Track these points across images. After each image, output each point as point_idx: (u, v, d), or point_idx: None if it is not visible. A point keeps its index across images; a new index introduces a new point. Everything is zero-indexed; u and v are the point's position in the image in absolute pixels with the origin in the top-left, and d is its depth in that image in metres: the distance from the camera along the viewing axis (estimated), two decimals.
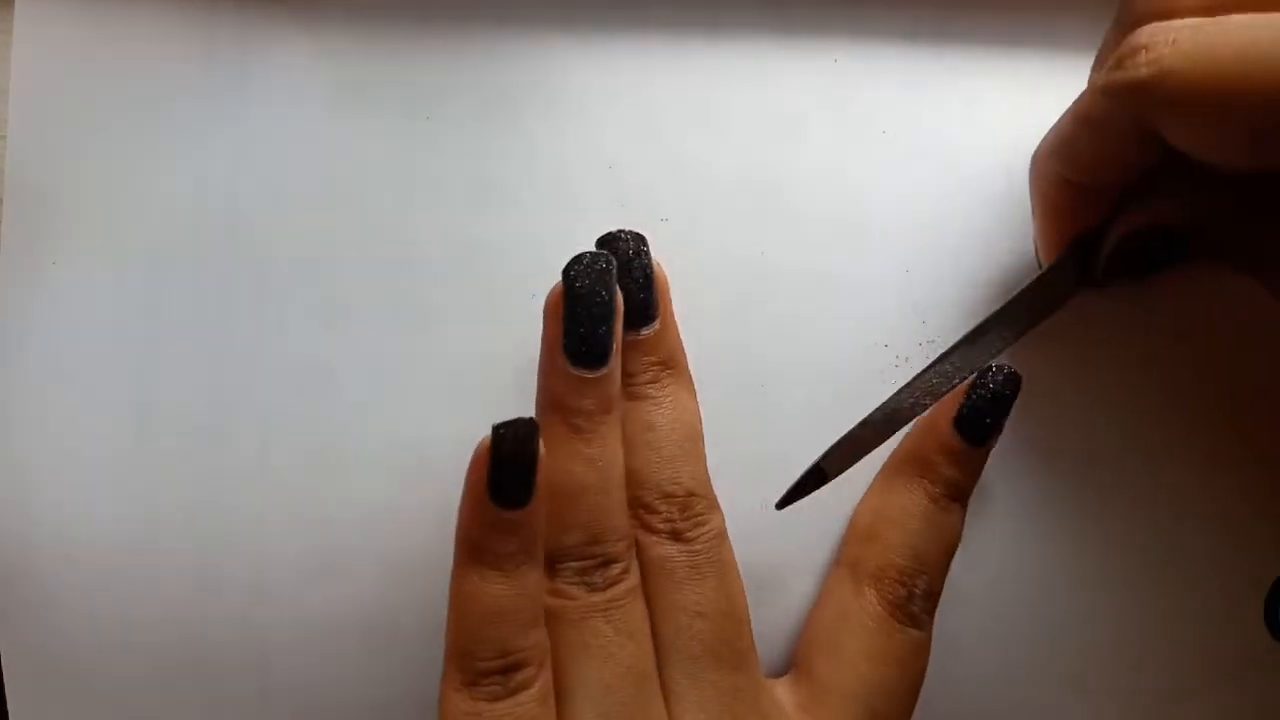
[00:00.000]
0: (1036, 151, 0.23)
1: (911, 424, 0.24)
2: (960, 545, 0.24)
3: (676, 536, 0.22)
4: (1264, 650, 0.25)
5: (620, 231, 0.23)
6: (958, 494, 0.24)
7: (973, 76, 0.26)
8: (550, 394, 0.22)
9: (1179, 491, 0.25)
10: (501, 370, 0.25)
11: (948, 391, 0.23)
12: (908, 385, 0.23)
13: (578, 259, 0.21)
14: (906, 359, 0.25)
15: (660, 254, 0.25)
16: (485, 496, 0.20)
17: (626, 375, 0.23)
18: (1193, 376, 0.25)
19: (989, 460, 0.24)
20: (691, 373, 0.24)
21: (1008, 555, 0.25)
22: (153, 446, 0.25)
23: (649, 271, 0.23)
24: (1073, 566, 0.25)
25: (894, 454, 0.25)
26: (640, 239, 0.23)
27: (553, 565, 0.22)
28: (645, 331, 0.23)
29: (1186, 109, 0.18)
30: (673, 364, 0.23)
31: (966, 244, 0.25)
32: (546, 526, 0.21)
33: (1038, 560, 0.25)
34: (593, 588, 0.21)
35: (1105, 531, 0.25)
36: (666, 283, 0.23)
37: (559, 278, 0.22)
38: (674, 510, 0.22)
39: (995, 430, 0.23)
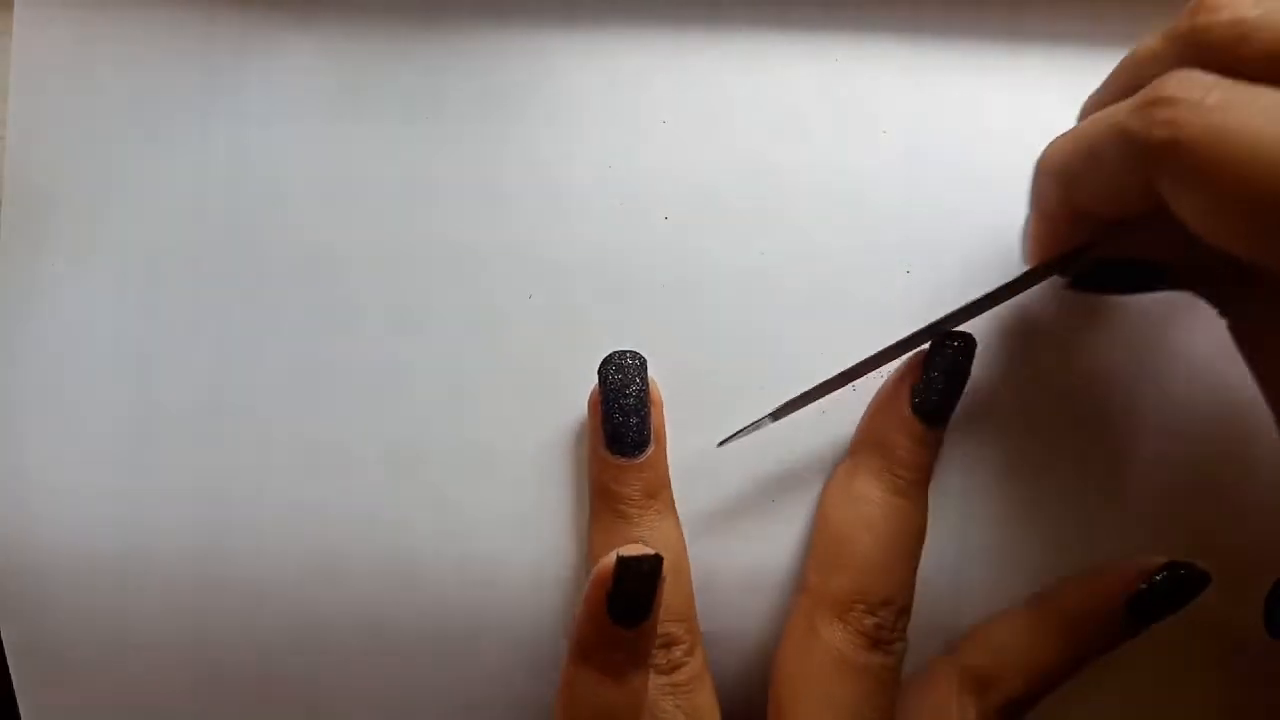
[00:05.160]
0: (1042, 161, 0.22)
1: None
2: (962, 547, 0.24)
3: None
4: (1264, 651, 0.24)
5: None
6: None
7: (975, 74, 0.26)
8: (595, 481, 0.23)
9: (1175, 492, 0.25)
10: (501, 370, 0.25)
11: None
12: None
13: (608, 357, 0.23)
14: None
15: (660, 253, 0.25)
16: (603, 613, 0.20)
17: None
18: (1179, 370, 0.25)
19: (983, 463, 0.24)
20: (693, 375, 0.25)
21: (1004, 556, 0.25)
22: (152, 446, 0.25)
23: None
24: (1071, 568, 0.25)
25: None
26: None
27: None
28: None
29: (1191, 189, 0.16)
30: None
31: (969, 244, 0.25)
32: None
33: (1031, 561, 0.25)
34: (658, 669, 0.22)
35: (1104, 533, 0.25)
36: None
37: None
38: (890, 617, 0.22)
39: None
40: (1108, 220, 0.20)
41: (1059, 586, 0.24)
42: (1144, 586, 0.23)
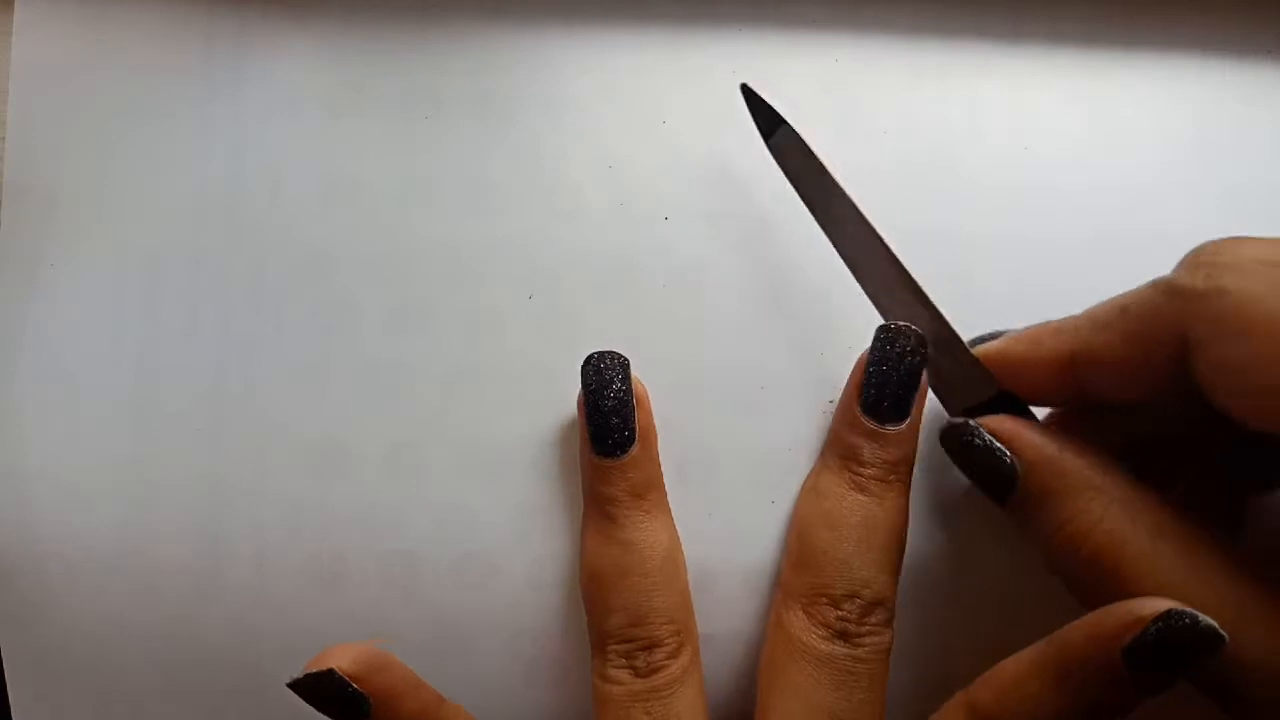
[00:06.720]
0: (1040, 331, 0.22)
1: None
2: (964, 554, 0.24)
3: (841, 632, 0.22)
4: None
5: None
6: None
7: (974, 75, 0.26)
8: (585, 482, 0.24)
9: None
10: (500, 369, 0.25)
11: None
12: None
13: (588, 358, 0.23)
14: None
15: (661, 253, 0.25)
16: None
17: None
18: None
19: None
20: (693, 375, 0.25)
21: (1001, 559, 0.25)
22: (152, 445, 0.25)
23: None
24: None
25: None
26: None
27: (602, 651, 0.22)
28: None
29: (1224, 334, 0.17)
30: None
31: (968, 245, 0.25)
32: (594, 613, 0.23)
33: (1028, 559, 0.25)
34: (637, 672, 0.22)
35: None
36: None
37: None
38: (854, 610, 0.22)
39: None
40: (1105, 397, 0.21)
41: (1067, 628, 0.20)
42: (1136, 637, 0.18)
